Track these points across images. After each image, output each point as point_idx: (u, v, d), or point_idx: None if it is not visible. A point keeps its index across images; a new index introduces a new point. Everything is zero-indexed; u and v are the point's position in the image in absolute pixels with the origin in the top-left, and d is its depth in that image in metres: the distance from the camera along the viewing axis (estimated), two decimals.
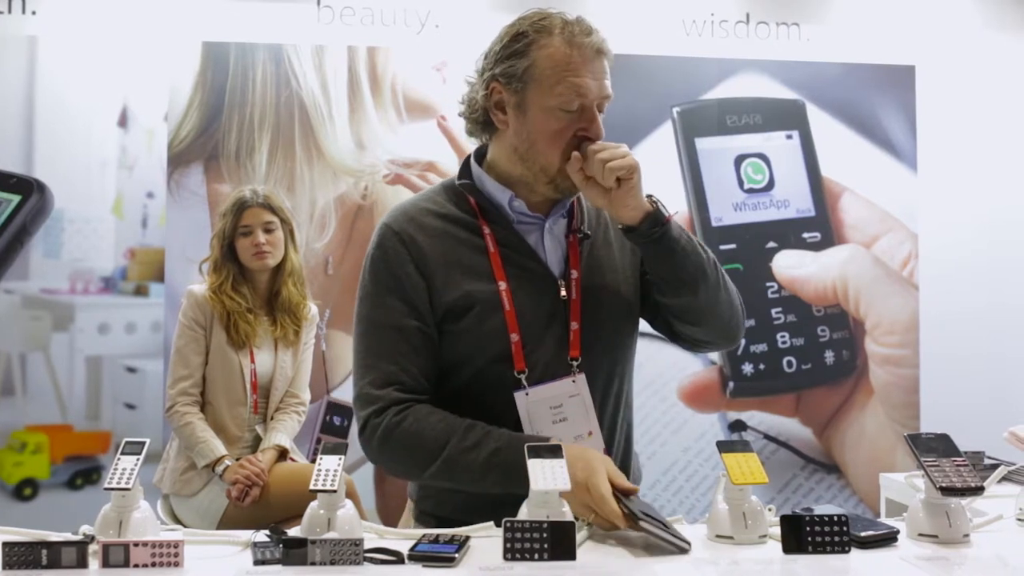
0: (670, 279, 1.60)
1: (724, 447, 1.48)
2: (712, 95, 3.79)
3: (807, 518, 1.37)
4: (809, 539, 1.36)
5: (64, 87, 3.62)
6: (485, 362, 1.59)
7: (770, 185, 3.77)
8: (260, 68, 3.58)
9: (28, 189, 3.53)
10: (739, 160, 3.76)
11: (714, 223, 3.71)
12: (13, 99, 3.61)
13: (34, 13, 3.59)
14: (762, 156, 3.77)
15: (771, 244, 3.75)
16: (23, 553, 1.26)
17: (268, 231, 2.94)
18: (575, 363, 1.61)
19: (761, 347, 3.71)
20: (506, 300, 1.59)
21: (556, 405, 1.60)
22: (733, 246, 3.71)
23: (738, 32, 3.93)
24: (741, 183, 3.75)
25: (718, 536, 1.42)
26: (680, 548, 1.36)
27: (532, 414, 1.58)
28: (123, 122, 3.66)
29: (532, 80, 1.57)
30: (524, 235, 1.65)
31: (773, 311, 3.72)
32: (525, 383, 1.59)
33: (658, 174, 3.67)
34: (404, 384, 1.57)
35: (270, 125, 3.58)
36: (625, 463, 1.71)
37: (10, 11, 3.58)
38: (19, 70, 3.60)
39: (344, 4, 3.73)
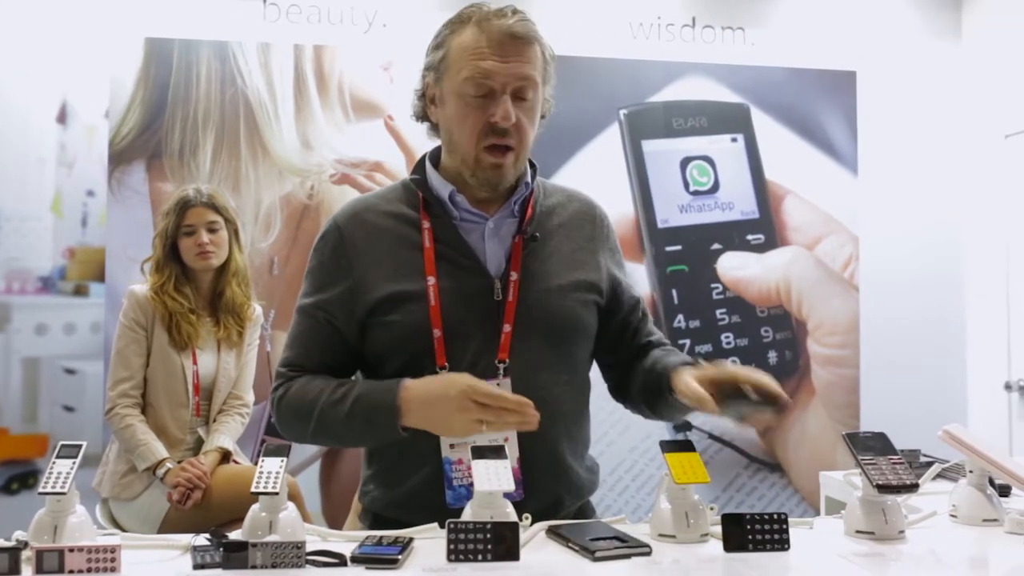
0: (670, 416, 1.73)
1: (667, 447, 1.49)
2: (658, 98, 3.81)
3: (747, 517, 1.39)
4: (750, 537, 1.38)
5: (1, 82, 3.54)
6: (410, 356, 1.59)
7: (715, 187, 3.81)
8: (204, 65, 3.52)
9: None
10: (685, 162, 3.79)
11: (660, 225, 3.74)
12: None
13: None
14: (707, 159, 3.81)
15: (716, 246, 3.79)
16: None
17: (212, 231, 2.90)
18: (502, 366, 1.58)
19: (706, 347, 3.74)
20: (432, 296, 1.58)
21: None
22: (678, 247, 3.74)
23: (684, 36, 3.97)
24: (687, 185, 3.79)
25: (661, 535, 1.44)
26: (643, 553, 1.36)
27: None
28: (62, 118, 3.59)
29: (445, 69, 1.59)
30: (466, 233, 1.64)
31: (717, 312, 3.76)
32: None
33: (605, 176, 3.70)
34: (303, 367, 1.64)
35: (214, 123, 3.52)
36: (556, 479, 1.62)
37: None
38: None
39: (291, 2, 3.69)
